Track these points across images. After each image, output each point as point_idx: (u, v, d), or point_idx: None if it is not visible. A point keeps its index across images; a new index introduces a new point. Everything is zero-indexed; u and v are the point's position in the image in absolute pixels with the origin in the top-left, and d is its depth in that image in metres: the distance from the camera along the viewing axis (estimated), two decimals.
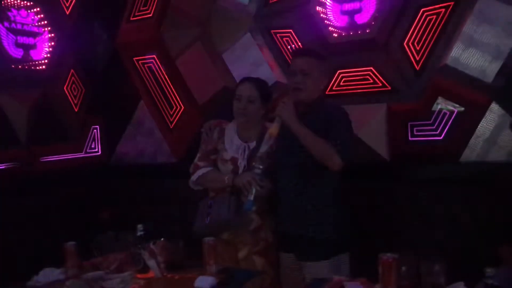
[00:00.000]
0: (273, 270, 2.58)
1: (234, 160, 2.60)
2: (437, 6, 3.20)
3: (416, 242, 3.14)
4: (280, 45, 3.80)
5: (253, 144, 2.61)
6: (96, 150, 4.76)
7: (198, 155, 2.73)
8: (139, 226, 2.37)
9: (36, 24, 4.26)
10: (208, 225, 2.50)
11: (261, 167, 2.35)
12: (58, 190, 4.17)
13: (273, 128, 2.39)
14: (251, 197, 2.33)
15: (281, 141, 2.53)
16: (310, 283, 2.22)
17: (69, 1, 4.55)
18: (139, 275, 2.31)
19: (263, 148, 2.56)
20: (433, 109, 3.23)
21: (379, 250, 1.92)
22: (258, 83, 2.67)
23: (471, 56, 3.09)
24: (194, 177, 2.67)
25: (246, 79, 2.71)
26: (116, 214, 4.20)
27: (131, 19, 4.54)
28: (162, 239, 2.41)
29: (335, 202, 2.46)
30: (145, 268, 2.31)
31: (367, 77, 3.45)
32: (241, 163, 2.59)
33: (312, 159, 2.36)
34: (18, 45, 4.10)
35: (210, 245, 2.25)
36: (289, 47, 3.74)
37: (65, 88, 4.53)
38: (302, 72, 2.44)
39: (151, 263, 2.29)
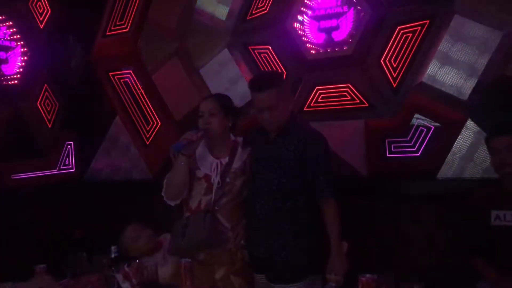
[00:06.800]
0: None
1: (207, 178, 2.55)
2: (413, 24, 3.24)
3: (393, 259, 3.13)
4: (258, 61, 3.79)
5: (225, 160, 2.57)
6: (70, 166, 4.66)
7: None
8: (113, 248, 2.31)
9: (9, 38, 4.18)
10: (183, 245, 2.45)
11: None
12: (30, 208, 4.06)
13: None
14: None
15: (255, 166, 2.51)
16: None
17: (43, 14, 4.49)
18: None
19: (237, 164, 2.55)
20: (410, 124, 3.25)
21: (356, 269, 1.90)
22: (218, 96, 2.72)
23: (447, 74, 3.14)
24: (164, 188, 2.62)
25: (206, 96, 2.77)
26: (89, 233, 4.10)
27: (107, 33, 4.49)
28: (136, 260, 2.34)
29: (310, 226, 2.42)
30: None
31: (345, 93, 3.46)
32: (215, 180, 2.53)
33: (287, 186, 2.35)
34: None
35: (187, 267, 2.21)
36: (267, 63, 3.74)
37: (38, 103, 4.44)
38: (268, 107, 2.36)
39: (125, 285, 2.22)
